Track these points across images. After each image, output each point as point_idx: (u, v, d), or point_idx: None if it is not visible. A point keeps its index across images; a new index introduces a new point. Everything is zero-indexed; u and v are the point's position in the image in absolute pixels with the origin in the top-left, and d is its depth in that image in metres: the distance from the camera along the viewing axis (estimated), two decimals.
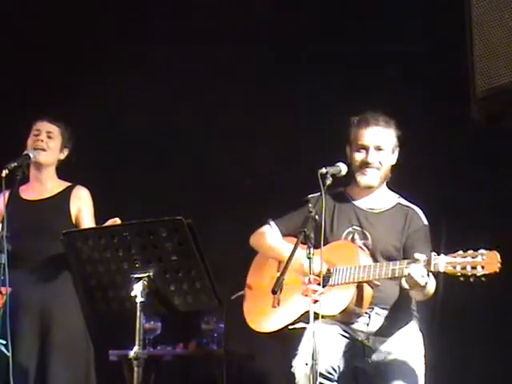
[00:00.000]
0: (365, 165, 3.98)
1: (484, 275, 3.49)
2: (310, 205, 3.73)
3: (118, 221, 3.98)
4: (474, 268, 3.50)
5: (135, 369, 3.26)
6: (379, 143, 3.99)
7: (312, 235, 3.58)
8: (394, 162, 4.06)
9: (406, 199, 4.08)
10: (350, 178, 4.04)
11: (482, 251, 3.52)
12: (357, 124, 4.04)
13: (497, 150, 4.83)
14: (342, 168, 3.89)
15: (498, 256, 3.50)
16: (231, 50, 5.64)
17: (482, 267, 3.48)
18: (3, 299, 3.88)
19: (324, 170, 3.76)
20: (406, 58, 5.13)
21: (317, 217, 3.61)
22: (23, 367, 4.13)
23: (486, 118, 3.40)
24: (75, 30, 5.94)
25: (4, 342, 3.87)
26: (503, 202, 4.92)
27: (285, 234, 4.07)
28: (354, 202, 4.06)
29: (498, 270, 3.48)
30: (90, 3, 5.93)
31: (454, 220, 4.93)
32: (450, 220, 4.92)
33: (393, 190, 4.12)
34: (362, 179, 4.00)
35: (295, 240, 3.60)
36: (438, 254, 3.60)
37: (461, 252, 3.56)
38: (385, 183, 4.10)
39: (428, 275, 3.61)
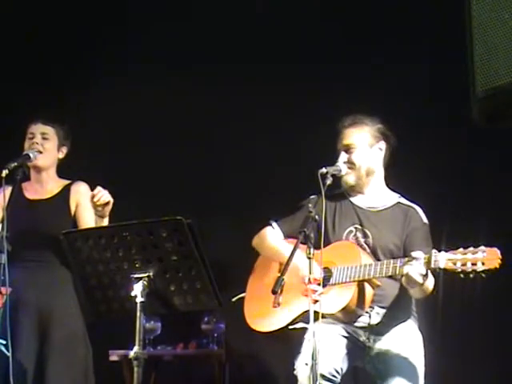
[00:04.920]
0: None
1: (484, 271, 3.50)
2: (309, 205, 3.73)
3: (100, 188, 3.95)
4: (474, 264, 3.51)
5: (135, 369, 3.26)
6: (347, 143, 4.02)
7: (312, 235, 3.59)
8: (377, 157, 4.05)
9: (406, 199, 4.09)
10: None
11: (482, 248, 3.54)
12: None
13: (497, 150, 4.83)
14: (342, 168, 3.89)
15: (499, 252, 3.52)
16: (232, 50, 5.64)
17: (483, 263, 3.50)
18: (3, 299, 3.88)
19: (324, 170, 3.77)
20: (405, 58, 5.13)
21: (317, 217, 3.62)
22: (22, 367, 4.12)
23: (486, 118, 3.39)
24: (75, 29, 5.95)
25: (4, 342, 3.87)
26: (503, 201, 4.91)
27: (287, 236, 4.07)
28: (354, 202, 4.07)
29: (498, 266, 3.50)
30: (90, 3, 5.94)
31: (454, 219, 4.93)
32: (451, 220, 4.92)
33: (393, 190, 4.12)
34: (342, 178, 4.04)
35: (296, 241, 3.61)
36: (439, 251, 3.61)
37: (461, 249, 3.58)
38: (383, 183, 4.10)
39: (427, 273, 3.62)
